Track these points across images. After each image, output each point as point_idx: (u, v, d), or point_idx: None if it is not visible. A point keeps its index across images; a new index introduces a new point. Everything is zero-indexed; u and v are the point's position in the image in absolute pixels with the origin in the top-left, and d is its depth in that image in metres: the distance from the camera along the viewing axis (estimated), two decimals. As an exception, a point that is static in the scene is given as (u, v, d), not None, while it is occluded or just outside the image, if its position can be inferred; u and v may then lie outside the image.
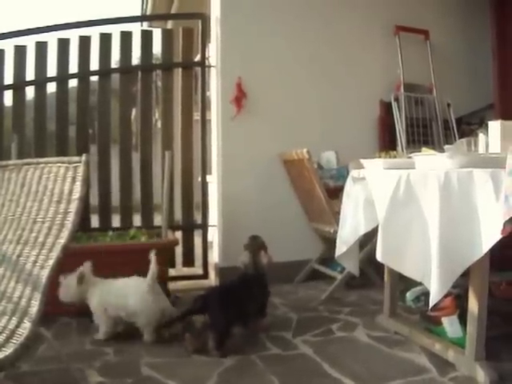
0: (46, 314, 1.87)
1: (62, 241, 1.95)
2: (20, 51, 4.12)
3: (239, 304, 2.84)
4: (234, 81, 4.20)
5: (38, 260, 1.97)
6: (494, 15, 4.68)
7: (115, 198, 4.29)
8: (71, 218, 1.99)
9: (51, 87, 4.21)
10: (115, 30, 4.27)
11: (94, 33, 4.23)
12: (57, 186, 2.12)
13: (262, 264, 3.13)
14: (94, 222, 4.25)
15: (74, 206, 2.01)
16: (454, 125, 4.64)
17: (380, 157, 3.09)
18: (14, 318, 1.85)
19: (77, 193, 2.03)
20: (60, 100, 4.21)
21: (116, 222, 4.29)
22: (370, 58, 4.66)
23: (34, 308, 1.84)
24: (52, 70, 4.17)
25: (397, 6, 4.72)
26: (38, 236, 2.05)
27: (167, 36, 4.42)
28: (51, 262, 1.92)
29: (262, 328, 3.12)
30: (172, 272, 4.15)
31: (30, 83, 4.16)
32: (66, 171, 2.12)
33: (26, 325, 1.81)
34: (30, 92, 4.20)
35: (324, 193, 3.79)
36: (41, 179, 2.20)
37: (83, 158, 2.07)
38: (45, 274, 1.90)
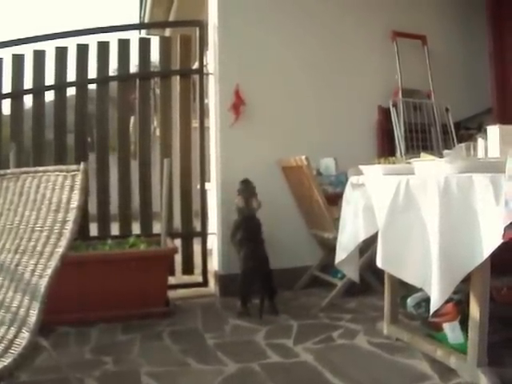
0: (45, 324, 1.85)
1: (61, 250, 1.94)
2: (18, 60, 4.11)
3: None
4: (232, 88, 4.20)
5: (36, 269, 1.96)
6: (491, 20, 4.68)
7: (114, 206, 4.27)
8: (69, 226, 1.97)
9: (49, 95, 4.21)
10: (113, 38, 4.27)
11: (92, 41, 4.23)
12: (55, 194, 2.10)
13: (253, 207, 3.80)
14: (93, 230, 4.24)
15: (72, 215, 2.00)
16: (453, 130, 4.63)
17: (379, 163, 3.09)
18: (12, 328, 1.84)
19: (75, 201, 2.02)
20: (58, 108, 4.21)
21: (115, 230, 4.28)
22: (368, 63, 4.66)
23: (33, 318, 1.82)
24: (50, 78, 4.16)
25: (394, 11, 4.72)
26: (37, 245, 2.03)
27: (165, 43, 4.43)
28: (50, 271, 1.90)
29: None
30: (172, 280, 4.13)
31: (28, 92, 4.16)
32: (64, 180, 2.10)
33: (25, 335, 1.79)
34: (28, 100, 4.21)
35: (323, 199, 3.78)
36: (39, 188, 2.19)
37: (81, 166, 2.06)
38: (43, 283, 1.88)
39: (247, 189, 3.86)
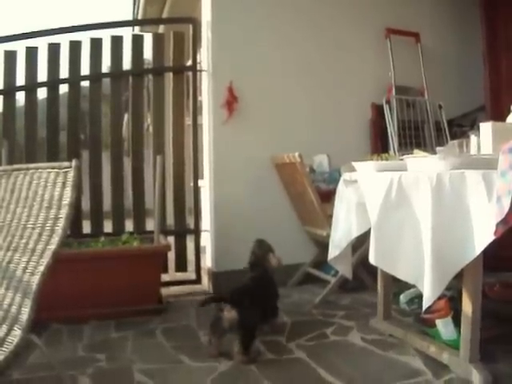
0: (37, 321, 1.85)
1: (53, 247, 1.93)
2: (10, 56, 4.09)
3: (261, 304, 2.87)
4: (225, 85, 4.20)
5: (28, 266, 1.95)
6: (484, 17, 4.68)
7: (107, 203, 4.26)
8: (61, 223, 1.97)
9: (42, 92, 4.19)
10: (106, 35, 4.25)
11: (85, 37, 4.21)
12: (47, 191, 2.10)
13: (271, 266, 3.23)
14: (86, 227, 4.22)
15: (64, 212, 1.99)
16: (446, 127, 4.65)
17: (372, 159, 3.09)
18: (4, 326, 1.83)
19: (67, 198, 2.01)
20: (51, 105, 4.19)
21: (108, 227, 4.27)
22: (362, 60, 4.67)
23: (25, 315, 1.82)
24: (43, 75, 4.14)
25: (387, 8, 4.73)
26: (29, 242, 2.03)
27: (158, 40, 4.41)
28: (41, 268, 1.89)
29: (277, 328, 3.17)
30: (165, 277, 4.13)
31: (21, 88, 4.14)
32: (56, 176, 2.10)
33: (17, 332, 1.79)
34: (20, 97, 4.19)
35: (316, 196, 3.78)
36: (31, 185, 2.18)
37: (73, 163, 2.06)
38: (35, 280, 1.88)
39: (262, 246, 3.29)
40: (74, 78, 4.21)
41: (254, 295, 2.84)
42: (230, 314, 2.65)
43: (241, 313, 2.65)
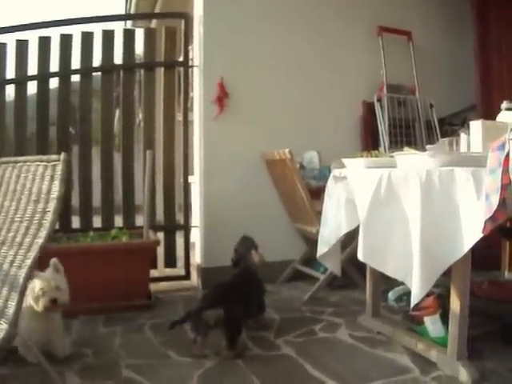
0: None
1: (40, 240, 1.93)
2: (0, 49, 4.06)
3: (246, 300, 2.85)
4: (216, 81, 4.19)
5: (15, 260, 1.95)
6: (476, 16, 4.69)
7: (96, 198, 4.24)
8: (49, 217, 1.97)
9: (32, 86, 4.16)
10: (98, 29, 4.23)
11: (76, 31, 4.18)
12: (35, 184, 2.09)
13: (253, 262, 3.19)
14: (75, 222, 4.21)
15: (52, 205, 1.98)
16: (437, 125, 4.66)
17: (361, 156, 3.09)
18: (-11, 319, 1.82)
19: (55, 192, 2.01)
20: (41, 99, 4.16)
21: (97, 222, 4.25)
22: (353, 58, 4.66)
23: (11, 309, 1.81)
24: (33, 68, 4.11)
25: (380, 6, 4.73)
26: (16, 236, 2.02)
27: (150, 35, 4.39)
28: (29, 262, 1.89)
29: (264, 324, 3.17)
30: (154, 273, 4.12)
31: (10, 82, 4.11)
32: (44, 170, 2.09)
33: (3, 326, 1.78)
34: (10, 91, 4.15)
35: (306, 193, 3.78)
36: (19, 178, 2.18)
37: (62, 156, 2.05)
38: (22, 273, 1.87)
39: (244, 244, 3.30)
40: (65, 71, 4.19)
41: (237, 291, 2.84)
42: (214, 310, 2.62)
43: (226, 309, 2.62)
